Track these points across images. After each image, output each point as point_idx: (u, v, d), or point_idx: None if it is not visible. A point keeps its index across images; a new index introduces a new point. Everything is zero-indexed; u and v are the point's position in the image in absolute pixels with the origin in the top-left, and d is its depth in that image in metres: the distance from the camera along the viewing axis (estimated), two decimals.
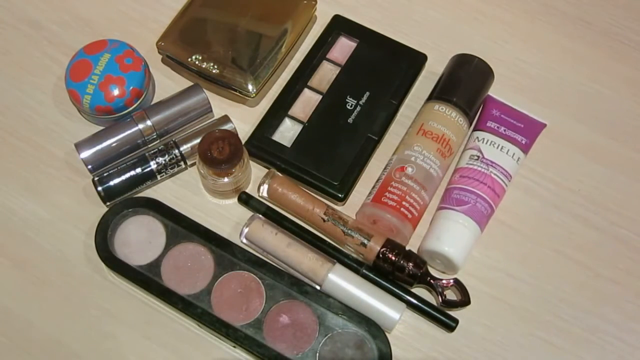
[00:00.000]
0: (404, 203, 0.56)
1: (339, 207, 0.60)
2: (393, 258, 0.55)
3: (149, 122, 0.60)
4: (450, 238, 0.55)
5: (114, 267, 0.55)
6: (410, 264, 0.55)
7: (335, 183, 0.59)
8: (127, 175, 0.58)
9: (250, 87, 0.62)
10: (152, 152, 0.59)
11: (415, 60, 0.65)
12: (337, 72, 0.64)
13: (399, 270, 0.55)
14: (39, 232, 0.59)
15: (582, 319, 0.57)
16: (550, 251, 0.59)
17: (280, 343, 0.53)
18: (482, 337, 0.56)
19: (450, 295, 0.56)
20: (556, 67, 0.68)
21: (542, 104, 0.65)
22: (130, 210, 0.58)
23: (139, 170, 0.58)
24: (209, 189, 0.60)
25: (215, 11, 0.65)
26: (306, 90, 0.64)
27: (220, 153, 0.55)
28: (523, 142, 0.60)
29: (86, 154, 0.58)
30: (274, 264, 0.56)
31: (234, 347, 0.55)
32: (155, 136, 0.60)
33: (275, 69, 0.64)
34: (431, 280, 0.56)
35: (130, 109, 0.61)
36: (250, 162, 0.60)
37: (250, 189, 0.61)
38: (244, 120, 0.63)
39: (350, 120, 0.62)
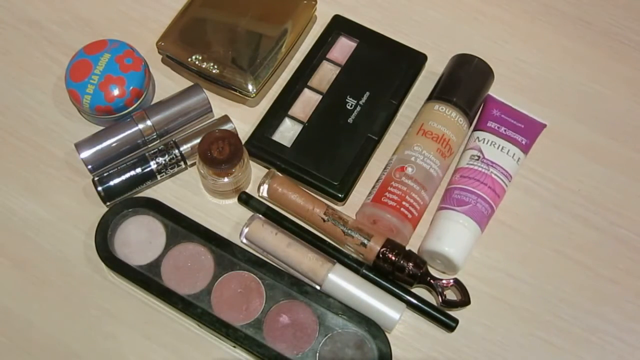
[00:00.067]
0: (404, 203, 0.56)
1: (339, 207, 0.60)
2: (393, 258, 0.55)
3: (149, 122, 0.60)
4: (450, 238, 0.55)
5: (114, 267, 0.55)
6: (410, 264, 0.55)
7: (335, 183, 0.59)
8: (127, 175, 0.58)
9: (250, 87, 0.62)
10: (152, 152, 0.59)
11: (415, 60, 0.65)
12: (337, 72, 0.64)
13: (399, 270, 0.55)
14: (39, 232, 0.59)
15: (582, 319, 0.57)
16: (550, 251, 0.59)
17: (280, 343, 0.53)
18: (482, 337, 0.56)
19: (450, 295, 0.56)
20: (556, 67, 0.68)
21: (542, 104, 0.65)
22: (130, 210, 0.58)
23: (139, 170, 0.58)
24: (209, 189, 0.60)
25: (215, 11, 0.65)
26: (306, 90, 0.64)
27: (220, 153, 0.55)
28: (523, 142, 0.60)
29: (86, 154, 0.58)
30: (274, 264, 0.56)
31: (234, 347, 0.55)
32: (155, 136, 0.60)
33: (275, 69, 0.64)
34: (431, 280, 0.56)
35: (130, 109, 0.61)
36: (250, 162, 0.60)
37: (250, 189, 0.61)
38: (244, 120, 0.63)
39: (350, 120, 0.62)
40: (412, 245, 0.58)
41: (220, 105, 0.64)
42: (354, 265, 0.56)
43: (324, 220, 0.57)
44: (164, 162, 0.59)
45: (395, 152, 0.60)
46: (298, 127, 0.62)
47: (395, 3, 0.70)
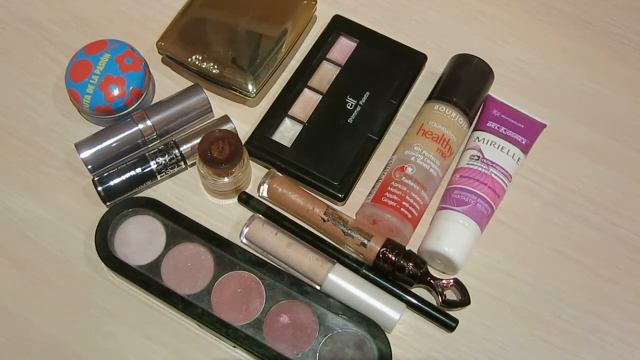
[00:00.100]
0: (404, 203, 0.56)
1: (339, 207, 0.60)
2: (393, 258, 0.55)
3: (149, 122, 0.60)
4: (450, 238, 0.55)
5: (114, 267, 0.55)
6: (410, 264, 0.55)
7: (335, 183, 0.59)
8: (127, 175, 0.58)
9: (250, 87, 0.62)
10: (152, 152, 0.59)
11: (415, 60, 0.65)
12: (337, 72, 0.64)
13: (399, 270, 0.55)
14: (39, 232, 0.59)
15: (582, 319, 0.57)
16: (550, 251, 0.59)
17: (280, 343, 0.53)
18: (482, 337, 0.56)
19: (450, 295, 0.56)
20: (556, 67, 0.68)
21: (542, 104, 0.65)
22: (130, 210, 0.58)
23: (139, 170, 0.58)
24: (209, 189, 0.60)
25: (215, 11, 0.65)
26: (306, 90, 0.64)
27: (220, 153, 0.55)
28: (523, 142, 0.60)
29: (86, 154, 0.58)
30: (274, 264, 0.56)
31: (234, 347, 0.55)
32: (155, 136, 0.60)
33: (275, 69, 0.64)
34: (431, 280, 0.56)
35: (130, 109, 0.61)
36: (250, 162, 0.60)
37: (250, 189, 0.61)
38: (244, 120, 0.63)
39: (350, 120, 0.62)
40: (412, 245, 0.58)
41: (220, 105, 0.64)
42: (354, 265, 0.56)
43: (324, 220, 0.57)
44: (164, 162, 0.59)
45: (395, 152, 0.60)
46: (298, 127, 0.62)
47: (395, 3, 0.70)
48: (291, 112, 0.63)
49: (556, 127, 0.63)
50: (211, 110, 0.62)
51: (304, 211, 0.58)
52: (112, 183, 0.58)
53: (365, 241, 0.56)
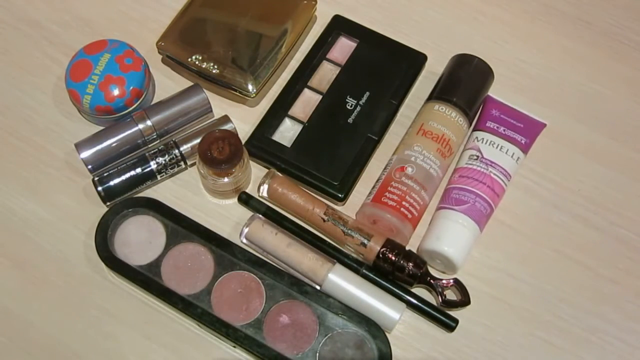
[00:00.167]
0: (404, 203, 0.56)
1: (339, 207, 0.60)
2: (393, 258, 0.55)
3: (149, 122, 0.60)
4: (449, 238, 0.55)
5: (114, 267, 0.55)
6: (410, 264, 0.55)
7: (335, 183, 0.59)
8: (127, 175, 0.58)
9: (250, 87, 0.62)
10: (152, 152, 0.59)
11: (415, 60, 0.65)
12: (337, 72, 0.64)
13: (399, 270, 0.55)
14: (39, 232, 0.59)
15: (582, 319, 0.57)
16: (550, 251, 0.59)
17: (280, 343, 0.53)
18: (482, 337, 0.56)
19: (450, 295, 0.56)
20: (556, 67, 0.68)
21: (542, 104, 0.65)
22: (130, 210, 0.58)
23: (139, 170, 0.58)
24: (209, 189, 0.60)
25: (215, 11, 0.65)
26: (306, 90, 0.64)
27: (220, 153, 0.55)
28: (523, 141, 0.60)
29: (86, 154, 0.58)
30: (274, 264, 0.56)
31: (234, 347, 0.55)
32: (155, 136, 0.60)
33: (275, 69, 0.64)
34: (431, 280, 0.56)
35: (130, 109, 0.61)
36: (250, 162, 0.60)
37: (250, 189, 0.61)
38: (244, 120, 0.63)
39: (350, 120, 0.62)
40: (412, 245, 0.58)
41: (220, 105, 0.64)
42: (354, 265, 0.56)
43: (324, 220, 0.57)
44: (164, 162, 0.59)
45: (395, 152, 0.60)
46: (298, 127, 0.62)
47: (395, 3, 0.70)
48: (291, 112, 0.63)
49: (556, 127, 0.63)
50: (211, 110, 0.62)
51: (304, 211, 0.58)
52: (112, 183, 0.58)
53: (365, 241, 0.56)
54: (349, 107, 0.62)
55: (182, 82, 0.65)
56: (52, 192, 0.60)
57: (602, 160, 0.63)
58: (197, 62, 0.62)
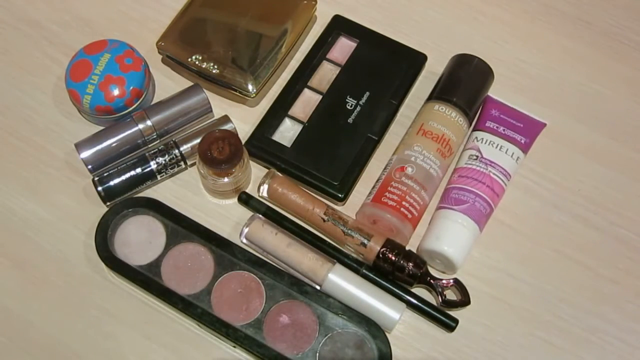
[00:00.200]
0: (404, 203, 0.56)
1: (339, 207, 0.60)
2: (393, 258, 0.55)
3: (149, 122, 0.60)
4: (449, 237, 0.55)
5: (114, 267, 0.55)
6: (410, 264, 0.55)
7: (335, 183, 0.59)
8: (127, 175, 0.58)
9: (250, 87, 0.62)
10: (152, 152, 0.59)
11: (415, 60, 0.65)
12: (337, 72, 0.64)
13: (399, 270, 0.55)
14: (39, 232, 0.59)
15: (582, 319, 0.57)
16: (550, 251, 0.59)
17: (280, 343, 0.53)
18: (482, 337, 0.56)
19: (450, 295, 0.56)
20: (556, 67, 0.68)
21: (542, 104, 0.65)
22: (130, 210, 0.58)
23: (139, 170, 0.58)
24: (209, 189, 0.60)
25: (215, 11, 0.65)
26: (306, 90, 0.64)
27: (220, 153, 0.55)
28: (522, 141, 0.60)
29: (86, 154, 0.58)
30: (274, 264, 0.56)
31: (234, 347, 0.55)
32: (155, 136, 0.60)
33: (275, 69, 0.64)
34: (431, 280, 0.56)
35: (130, 109, 0.61)
36: (250, 162, 0.60)
37: (250, 189, 0.61)
38: (244, 120, 0.63)
39: (350, 120, 0.62)
40: (412, 245, 0.58)
41: (220, 105, 0.64)
42: (354, 265, 0.56)
43: (324, 220, 0.57)
44: (164, 162, 0.59)
45: (395, 152, 0.60)
46: (298, 127, 0.62)
47: (395, 3, 0.70)
48: (291, 112, 0.63)
49: (556, 127, 0.63)
50: (211, 110, 0.62)
51: (304, 211, 0.58)
52: (112, 183, 0.58)
53: (365, 241, 0.56)
54: (349, 107, 0.62)
55: (182, 82, 0.65)
56: (52, 192, 0.60)
57: (602, 160, 0.63)
58: (197, 62, 0.62)
